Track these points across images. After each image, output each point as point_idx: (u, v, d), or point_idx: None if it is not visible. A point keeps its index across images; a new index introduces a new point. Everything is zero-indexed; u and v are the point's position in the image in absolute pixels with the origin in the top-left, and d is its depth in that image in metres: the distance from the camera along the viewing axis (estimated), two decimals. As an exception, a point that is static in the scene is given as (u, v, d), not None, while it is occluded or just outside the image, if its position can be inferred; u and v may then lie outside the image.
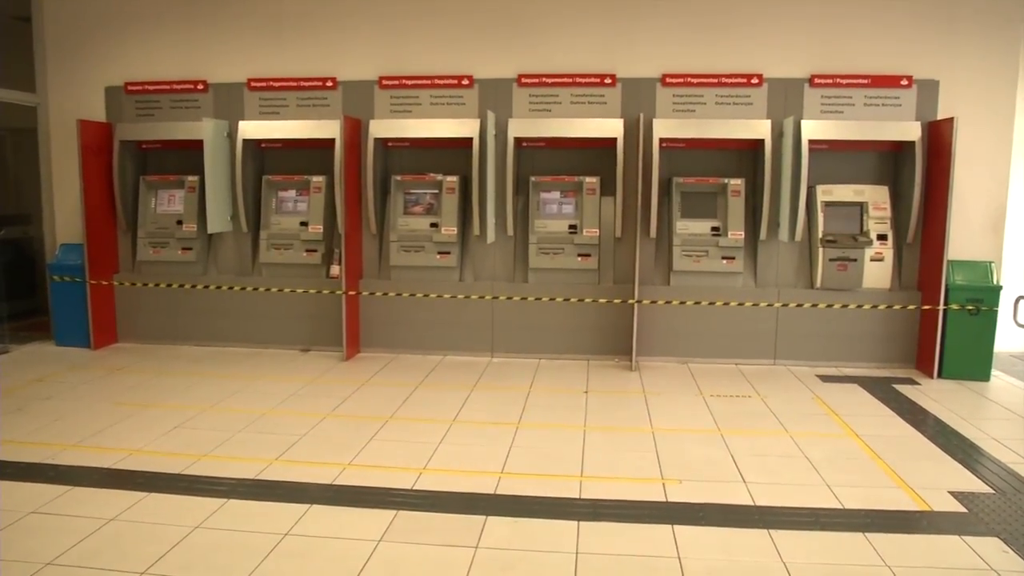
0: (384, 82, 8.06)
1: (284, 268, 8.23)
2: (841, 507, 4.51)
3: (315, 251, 8.14)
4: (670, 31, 7.79)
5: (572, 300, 7.82)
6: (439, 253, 7.95)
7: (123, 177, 8.32)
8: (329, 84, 8.12)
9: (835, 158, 7.67)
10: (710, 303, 7.68)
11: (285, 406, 6.41)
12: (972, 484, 4.87)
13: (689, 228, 7.72)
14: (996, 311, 7.25)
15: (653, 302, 7.68)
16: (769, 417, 6.22)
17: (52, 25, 8.62)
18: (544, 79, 7.85)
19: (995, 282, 7.32)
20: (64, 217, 8.74)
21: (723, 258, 7.67)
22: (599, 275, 7.89)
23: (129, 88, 8.44)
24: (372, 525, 4.20)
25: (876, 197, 7.61)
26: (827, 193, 7.63)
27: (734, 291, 7.73)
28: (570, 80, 7.83)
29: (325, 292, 8.05)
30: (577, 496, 4.64)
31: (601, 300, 7.80)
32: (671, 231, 7.74)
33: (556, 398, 6.70)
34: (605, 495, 4.65)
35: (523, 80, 7.89)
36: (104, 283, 8.39)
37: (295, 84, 8.16)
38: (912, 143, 7.37)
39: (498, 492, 4.70)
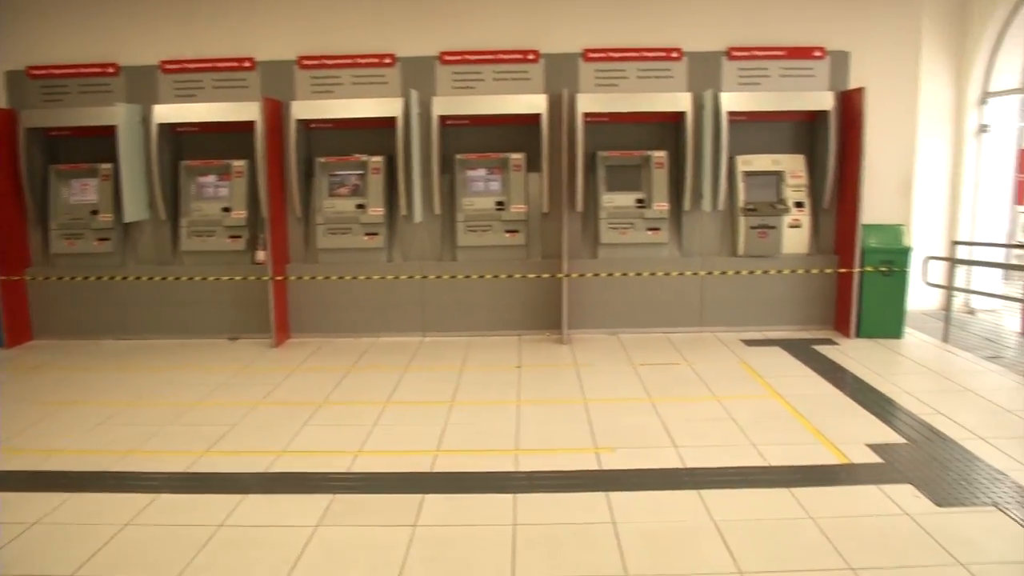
0: (304, 62, 7.90)
1: (207, 256, 8.02)
2: (767, 464, 4.70)
3: (239, 237, 7.97)
4: (591, 6, 7.82)
5: (501, 276, 7.85)
6: (366, 234, 7.87)
7: (31, 166, 7.96)
8: (247, 65, 7.92)
9: (754, 128, 7.84)
10: (637, 274, 7.81)
11: (214, 397, 6.29)
12: (888, 436, 5.12)
13: (615, 201, 7.82)
14: (907, 272, 7.57)
15: (581, 275, 7.76)
16: (697, 383, 6.39)
17: (-56, 8, 8.17)
18: (467, 56, 7.81)
19: (905, 244, 7.63)
20: (-32, 211, 8.33)
21: (648, 229, 7.79)
22: (527, 251, 7.94)
23: (32, 72, 8.04)
24: (309, 510, 4.19)
25: (793, 166, 7.84)
26: (747, 163, 7.82)
27: (660, 261, 7.88)
28: (493, 57, 7.81)
29: (251, 278, 7.89)
30: (513, 469, 4.71)
31: (530, 275, 7.85)
32: (597, 204, 7.83)
33: (489, 375, 6.74)
34: (541, 467, 4.73)
35: (445, 58, 7.83)
36: (15, 278, 8.04)
37: (211, 65, 7.92)
38: (826, 112, 7.60)
39: (435, 470, 4.74)
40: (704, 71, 7.77)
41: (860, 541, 3.73)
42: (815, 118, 7.80)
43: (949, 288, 7.80)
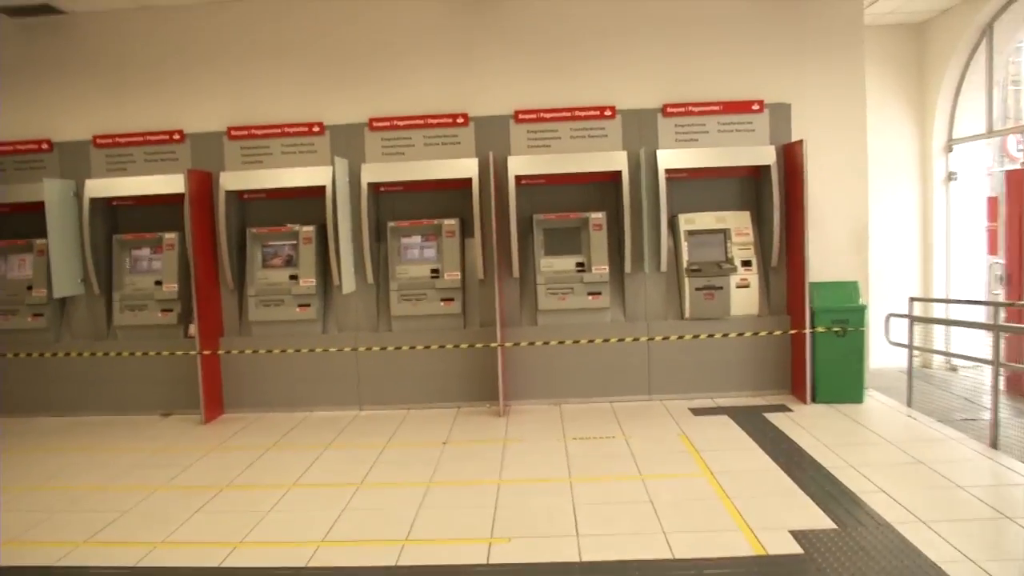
0: (233, 133, 7.79)
1: (140, 330, 7.85)
2: (671, 558, 4.28)
3: (171, 311, 7.78)
4: (521, 67, 7.65)
5: (437, 347, 7.56)
6: (299, 306, 7.65)
7: (-31, 244, 7.92)
8: (176, 137, 7.83)
9: (696, 186, 7.57)
10: (575, 341, 7.47)
11: (120, 480, 6.02)
12: (816, 520, 4.69)
13: (554, 265, 7.53)
14: (863, 331, 7.17)
15: (516, 344, 7.45)
16: (627, 459, 5.99)
17: None
18: (395, 122, 7.66)
19: (859, 302, 7.24)
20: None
21: (589, 294, 7.48)
22: (464, 319, 7.65)
23: (-33, 151, 8.06)
24: (161, 614, 3.89)
25: (738, 223, 7.53)
26: (689, 222, 7.52)
27: (603, 327, 7.54)
28: (422, 122, 7.65)
29: (181, 353, 7.67)
30: (393, 564, 4.36)
31: (469, 345, 7.54)
32: (535, 270, 7.54)
33: (410, 453, 6.41)
34: (424, 560, 4.39)
35: (374, 124, 7.68)
36: (-50, 358, 7.94)
37: (141, 139, 7.86)
38: (768, 167, 7.31)
39: (310, 565, 4.41)
40: (639, 129, 7.54)
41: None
42: (760, 173, 7.51)
43: (910, 347, 7.35)
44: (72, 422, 7.82)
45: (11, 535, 4.95)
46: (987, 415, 6.94)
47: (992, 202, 8.83)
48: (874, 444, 6.19)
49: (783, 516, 4.76)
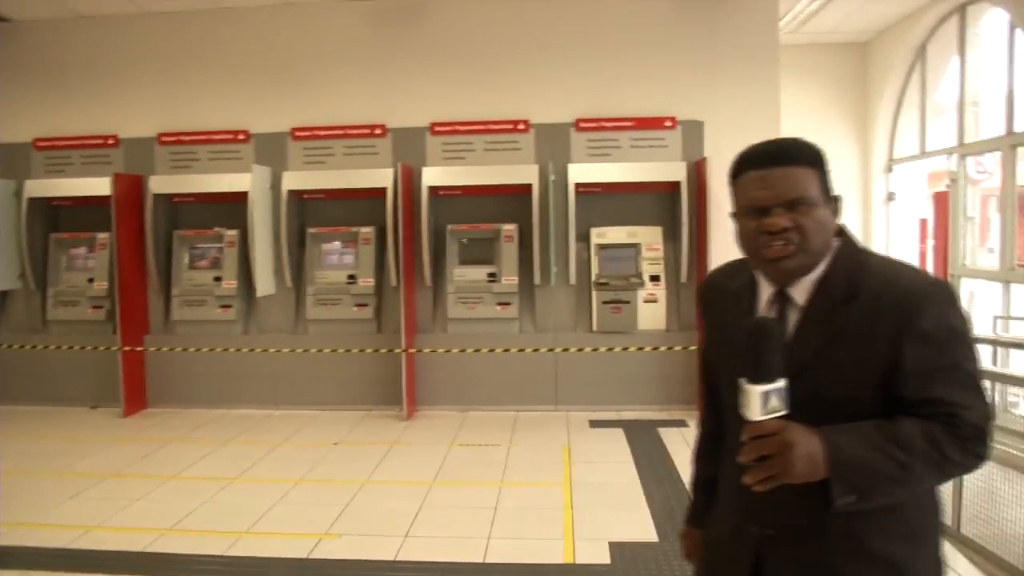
0: (163, 138, 8.08)
1: (71, 325, 8.15)
2: (479, 561, 4.41)
3: (100, 307, 8.08)
4: (438, 81, 7.80)
5: (343, 351, 7.72)
6: (221, 307, 7.90)
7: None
8: (111, 142, 8.14)
9: (609, 201, 7.64)
10: (478, 350, 7.58)
11: (20, 466, 6.22)
12: (643, 533, 4.76)
13: (466, 275, 7.66)
14: (762, 350, 7.16)
15: (420, 351, 7.59)
16: (498, 467, 6.10)
17: None
18: (317, 132, 7.87)
19: (761, 321, 7.23)
20: None
21: (498, 304, 7.60)
22: (378, 324, 7.82)
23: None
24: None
25: (650, 238, 7.59)
26: (601, 236, 7.60)
27: (511, 337, 7.65)
28: (342, 132, 7.84)
29: (105, 349, 7.93)
30: (222, 553, 4.55)
31: (379, 350, 7.69)
32: (445, 279, 7.69)
33: (299, 452, 6.59)
34: (250, 552, 4.56)
35: (297, 133, 7.91)
36: None
37: (79, 143, 8.18)
38: (678, 183, 7.37)
39: (147, 550, 4.61)
40: (552, 143, 7.64)
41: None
42: (674, 189, 7.56)
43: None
44: (4, 410, 8.12)
45: None
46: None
47: (924, 223, 8.77)
48: (749, 462, 6.19)
49: (612, 528, 4.82)
